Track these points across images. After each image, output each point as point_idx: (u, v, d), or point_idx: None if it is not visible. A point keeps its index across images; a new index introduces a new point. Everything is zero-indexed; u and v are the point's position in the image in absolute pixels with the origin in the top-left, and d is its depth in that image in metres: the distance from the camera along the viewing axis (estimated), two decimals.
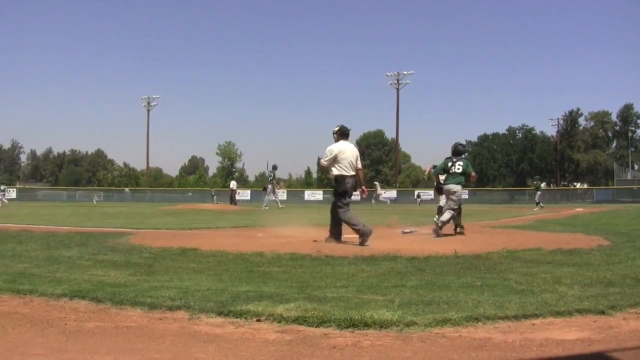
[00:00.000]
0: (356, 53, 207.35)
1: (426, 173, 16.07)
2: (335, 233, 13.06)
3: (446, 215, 14.68)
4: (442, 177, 15.75)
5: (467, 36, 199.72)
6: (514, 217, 17.87)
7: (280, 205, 35.37)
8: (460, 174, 15.25)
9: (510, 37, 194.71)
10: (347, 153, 12.83)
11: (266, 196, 36.25)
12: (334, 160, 12.73)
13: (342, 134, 13.17)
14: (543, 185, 49.99)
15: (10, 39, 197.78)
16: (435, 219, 15.68)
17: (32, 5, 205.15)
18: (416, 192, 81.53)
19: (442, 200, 16.37)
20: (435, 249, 10.68)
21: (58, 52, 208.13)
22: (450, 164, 15.32)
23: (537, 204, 45.95)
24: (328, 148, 12.92)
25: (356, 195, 14.14)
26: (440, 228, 14.29)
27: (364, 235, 12.19)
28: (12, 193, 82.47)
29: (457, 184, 15.20)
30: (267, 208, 35.18)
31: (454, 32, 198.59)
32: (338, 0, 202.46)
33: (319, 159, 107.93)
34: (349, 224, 12.76)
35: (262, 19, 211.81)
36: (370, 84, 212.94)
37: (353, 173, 12.90)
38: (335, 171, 12.77)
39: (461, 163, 15.34)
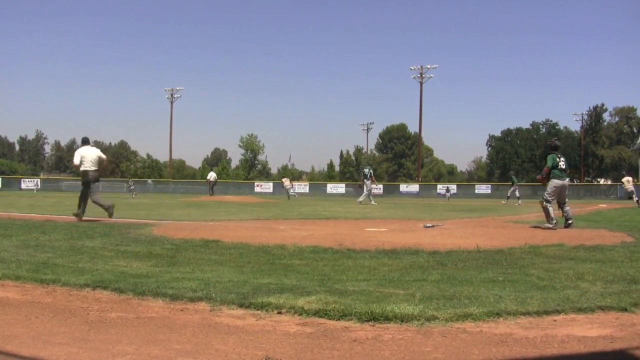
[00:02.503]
0: (380, 46, 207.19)
1: (541, 177, 16.05)
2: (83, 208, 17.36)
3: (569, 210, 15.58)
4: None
5: (491, 30, 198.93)
6: (537, 212, 17.80)
7: (360, 200, 35.56)
8: (565, 169, 15.71)
9: (534, 31, 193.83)
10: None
11: (365, 191, 36.31)
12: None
13: (84, 142, 18.38)
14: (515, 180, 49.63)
15: (33, 31, 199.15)
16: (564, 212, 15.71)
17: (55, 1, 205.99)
18: (446, 186, 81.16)
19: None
20: (457, 243, 10.64)
21: (82, 44, 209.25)
22: (557, 159, 15.65)
23: (515, 197, 45.50)
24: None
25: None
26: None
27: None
28: (36, 183, 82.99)
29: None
30: (361, 202, 35.39)
31: (478, 26, 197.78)
32: None
33: (341, 153, 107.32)
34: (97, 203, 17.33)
35: (286, 11, 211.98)
36: (393, 78, 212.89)
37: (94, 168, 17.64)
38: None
39: (564, 159, 15.79)
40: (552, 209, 15.13)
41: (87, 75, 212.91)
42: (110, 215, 16.97)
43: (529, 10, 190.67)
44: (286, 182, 62.27)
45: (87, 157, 17.51)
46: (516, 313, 5.21)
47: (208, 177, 59.97)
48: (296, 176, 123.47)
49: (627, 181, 41.69)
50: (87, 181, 17.34)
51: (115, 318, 5.36)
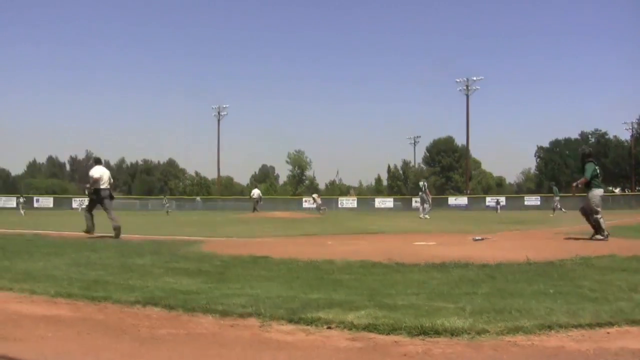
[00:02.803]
0: (425, 59, 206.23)
1: (577, 186, 15.71)
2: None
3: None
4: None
5: (536, 40, 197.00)
6: (585, 223, 17.53)
7: (425, 216, 35.40)
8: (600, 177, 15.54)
9: (581, 40, 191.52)
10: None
11: (424, 206, 36.30)
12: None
13: (97, 162, 19.31)
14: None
15: (81, 52, 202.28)
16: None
17: (101, 16, 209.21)
18: (496, 199, 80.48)
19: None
20: (506, 256, 10.56)
21: (129, 65, 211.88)
22: (595, 168, 15.43)
23: (558, 209, 45.11)
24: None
25: None
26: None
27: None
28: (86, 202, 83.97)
29: None
30: (427, 217, 35.28)
31: (523, 35, 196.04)
32: (407, 6, 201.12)
33: (389, 167, 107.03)
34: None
35: (332, 28, 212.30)
36: (440, 90, 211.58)
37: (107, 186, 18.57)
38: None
39: (599, 167, 15.54)
40: (603, 220, 14.90)
41: (134, 95, 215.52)
42: (117, 236, 17.30)
43: (573, 18, 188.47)
44: (317, 198, 62.32)
45: (103, 176, 18.53)
46: (568, 326, 5.15)
47: (252, 194, 59.07)
48: (344, 191, 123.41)
49: None
50: (101, 198, 18.39)
51: (166, 334, 5.41)
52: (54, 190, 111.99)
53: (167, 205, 64.42)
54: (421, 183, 37.39)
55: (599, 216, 14.81)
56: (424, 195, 36.45)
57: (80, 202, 62.20)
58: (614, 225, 23.60)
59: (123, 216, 21.04)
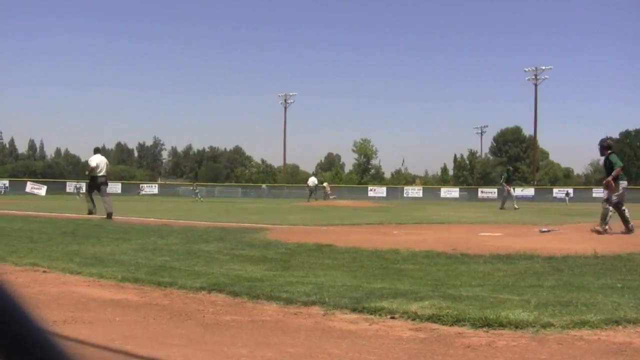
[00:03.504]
0: (493, 48, 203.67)
1: (610, 180, 15.14)
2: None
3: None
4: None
5: (604, 29, 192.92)
6: None
7: (515, 206, 34.85)
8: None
9: None
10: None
11: (510, 197, 35.93)
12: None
13: (96, 151, 21.23)
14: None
15: (151, 43, 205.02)
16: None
17: (171, 8, 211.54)
18: (565, 190, 79.12)
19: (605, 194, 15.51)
20: (573, 248, 10.40)
21: (196, 53, 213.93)
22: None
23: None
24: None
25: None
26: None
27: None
28: (154, 188, 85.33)
29: None
30: (517, 207, 34.81)
31: (592, 24, 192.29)
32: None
33: (455, 156, 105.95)
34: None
35: (398, 15, 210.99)
36: (507, 80, 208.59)
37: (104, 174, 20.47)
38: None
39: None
40: (610, 215, 14.36)
41: (202, 82, 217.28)
42: (108, 218, 19.02)
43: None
44: (327, 187, 62.03)
45: (101, 164, 20.54)
46: (636, 321, 5.06)
47: (307, 182, 58.84)
48: (409, 180, 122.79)
49: None
50: (98, 184, 20.43)
51: (230, 321, 5.47)
52: (122, 177, 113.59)
53: (197, 191, 63.58)
54: (503, 176, 37.18)
55: (610, 207, 14.33)
56: (506, 185, 36.07)
57: (77, 187, 61.95)
58: None
59: (189, 203, 21.18)
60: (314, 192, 55.14)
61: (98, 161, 20.50)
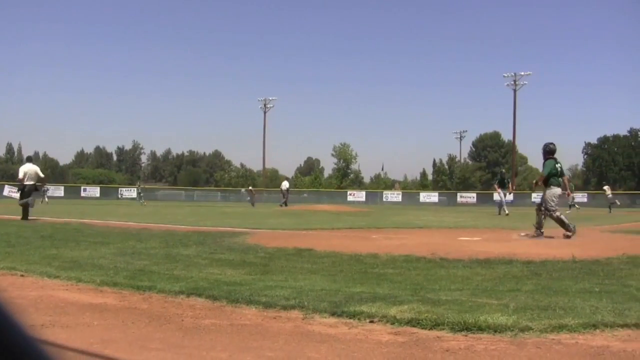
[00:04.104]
0: (473, 53, 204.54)
1: (536, 183, 15.45)
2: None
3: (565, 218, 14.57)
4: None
5: (583, 34, 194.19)
6: (636, 221, 17.06)
7: (505, 212, 33.65)
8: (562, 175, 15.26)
9: (627, 35, 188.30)
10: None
11: (502, 200, 34.82)
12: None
13: (27, 160, 23.32)
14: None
15: (130, 47, 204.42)
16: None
17: (149, 12, 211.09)
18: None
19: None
20: (552, 253, 10.47)
21: (175, 56, 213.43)
22: (556, 165, 15.05)
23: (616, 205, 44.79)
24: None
25: None
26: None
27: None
28: (132, 192, 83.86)
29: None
30: (507, 213, 33.48)
31: (572, 30, 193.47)
32: (453, 1, 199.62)
33: (434, 161, 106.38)
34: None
35: (376, 20, 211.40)
36: (486, 85, 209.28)
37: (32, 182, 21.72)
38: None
39: (560, 164, 15.23)
40: (564, 216, 14.57)
41: (181, 87, 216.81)
42: (23, 218, 20.96)
43: (619, 13, 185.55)
44: (253, 191, 61.41)
45: (29, 173, 21.91)
46: (614, 325, 5.09)
47: (281, 187, 56.97)
48: (389, 185, 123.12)
49: None
50: (27, 191, 21.64)
51: (209, 325, 5.47)
52: (100, 180, 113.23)
53: (142, 195, 61.06)
54: (498, 176, 36.84)
55: (557, 214, 14.43)
56: (498, 189, 35.43)
57: (45, 191, 60.08)
58: None
59: (168, 207, 21.18)
60: (285, 196, 54.12)
61: (26, 170, 22.00)
